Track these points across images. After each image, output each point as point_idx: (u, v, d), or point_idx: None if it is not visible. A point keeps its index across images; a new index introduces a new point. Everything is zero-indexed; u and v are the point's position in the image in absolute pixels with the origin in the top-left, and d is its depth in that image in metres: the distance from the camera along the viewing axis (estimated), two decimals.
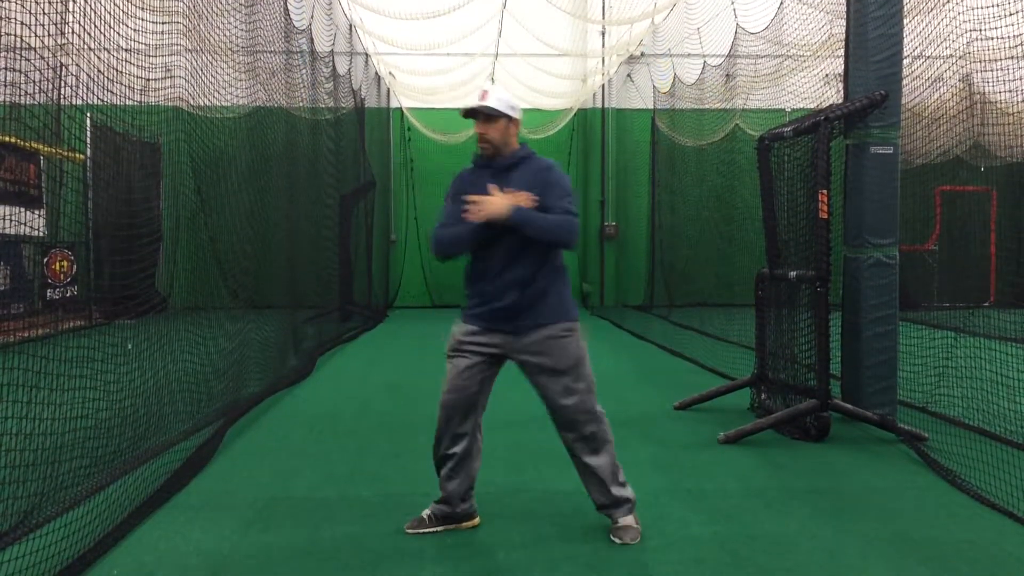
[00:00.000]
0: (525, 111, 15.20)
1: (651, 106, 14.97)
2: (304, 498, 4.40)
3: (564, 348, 3.71)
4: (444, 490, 3.85)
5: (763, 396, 6.43)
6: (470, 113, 3.72)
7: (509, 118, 3.74)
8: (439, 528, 3.87)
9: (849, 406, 5.79)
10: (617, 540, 3.74)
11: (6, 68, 3.76)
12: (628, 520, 3.81)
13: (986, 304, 13.08)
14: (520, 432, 5.67)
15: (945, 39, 6.10)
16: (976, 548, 3.69)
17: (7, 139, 9.30)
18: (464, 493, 3.87)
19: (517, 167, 3.76)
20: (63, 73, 4.53)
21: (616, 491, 3.81)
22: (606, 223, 17.30)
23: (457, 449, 3.81)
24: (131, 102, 5.12)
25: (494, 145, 3.75)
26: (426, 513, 3.90)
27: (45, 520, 3.76)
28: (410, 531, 3.84)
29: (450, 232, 3.72)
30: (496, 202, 3.58)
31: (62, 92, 4.64)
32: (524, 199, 3.61)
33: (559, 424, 3.80)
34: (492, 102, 3.69)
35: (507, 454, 5.18)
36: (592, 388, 3.79)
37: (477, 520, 3.95)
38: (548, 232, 3.61)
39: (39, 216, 11.19)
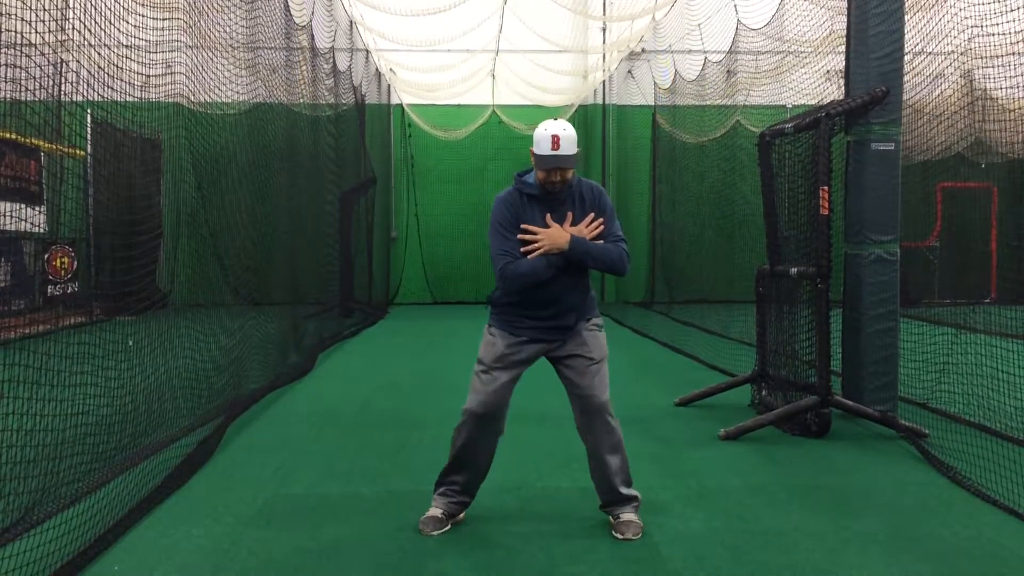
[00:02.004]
0: (525, 107, 15.18)
1: (652, 102, 14.96)
2: (305, 495, 4.40)
3: (598, 339, 3.88)
4: (465, 490, 3.89)
5: (764, 392, 6.43)
6: (550, 165, 3.60)
7: (578, 152, 3.70)
8: (449, 525, 3.88)
9: (850, 402, 5.79)
10: (619, 536, 3.75)
11: (7, 64, 3.76)
12: (631, 516, 3.83)
13: (987, 300, 13.09)
14: (520, 429, 5.67)
15: (946, 35, 6.09)
16: (977, 544, 3.69)
17: (8, 135, 9.30)
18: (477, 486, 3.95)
19: (572, 197, 3.76)
20: (64, 69, 4.52)
21: (624, 491, 3.86)
22: None
23: (484, 458, 3.88)
24: (132, 98, 5.12)
25: (567, 184, 3.71)
26: (440, 512, 3.87)
27: (46, 516, 3.76)
28: (435, 533, 3.79)
29: (526, 267, 3.64)
30: (556, 235, 3.63)
31: (63, 88, 4.63)
32: (586, 228, 3.69)
33: (589, 414, 3.81)
34: (567, 149, 3.59)
35: (507, 451, 5.17)
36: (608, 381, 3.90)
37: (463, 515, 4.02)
38: (606, 263, 3.71)
39: (40, 212, 11.19)
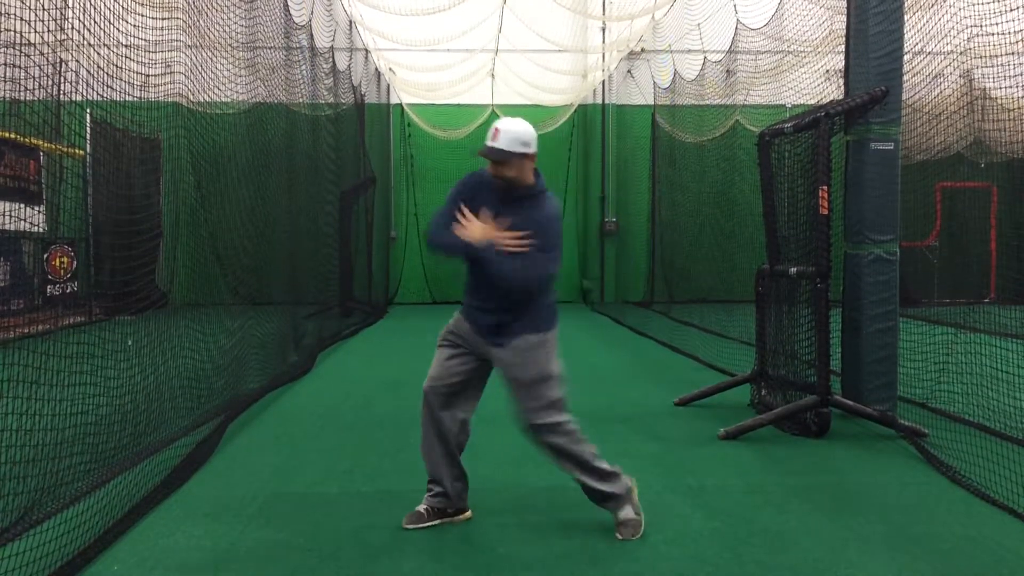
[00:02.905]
0: (525, 107, 15.15)
1: (651, 102, 14.96)
2: (304, 494, 4.40)
3: (530, 357, 3.72)
4: (440, 482, 3.90)
5: (763, 392, 6.43)
6: (484, 154, 3.65)
7: (523, 155, 3.66)
8: (436, 521, 3.89)
9: (849, 402, 5.79)
10: (619, 536, 3.74)
11: (6, 64, 3.76)
12: (627, 513, 3.81)
13: (986, 300, 13.09)
14: (516, 428, 5.67)
15: (946, 35, 6.10)
16: (976, 544, 3.69)
17: (7, 135, 9.30)
18: (461, 481, 3.93)
19: (527, 201, 3.71)
20: (63, 69, 4.52)
21: (602, 487, 3.80)
22: (606, 219, 17.30)
23: (441, 435, 3.87)
24: (131, 98, 5.11)
25: (510, 180, 3.70)
26: (423, 507, 3.92)
27: (46, 516, 3.76)
28: (409, 526, 3.86)
29: (443, 239, 3.71)
30: (475, 230, 3.60)
31: (62, 88, 4.62)
32: (508, 238, 3.59)
33: (527, 432, 3.82)
34: (502, 143, 3.61)
35: (506, 450, 5.18)
36: (554, 404, 3.74)
37: (469, 513, 4.00)
38: (505, 279, 3.61)
39: (39, 212, 11.19)
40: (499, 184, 3.71)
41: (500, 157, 3.63)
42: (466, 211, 3.64)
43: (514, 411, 3.81)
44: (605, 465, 3.84)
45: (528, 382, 3.71)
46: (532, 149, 3.68)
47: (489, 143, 3.63)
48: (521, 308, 3.74)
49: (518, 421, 3.80)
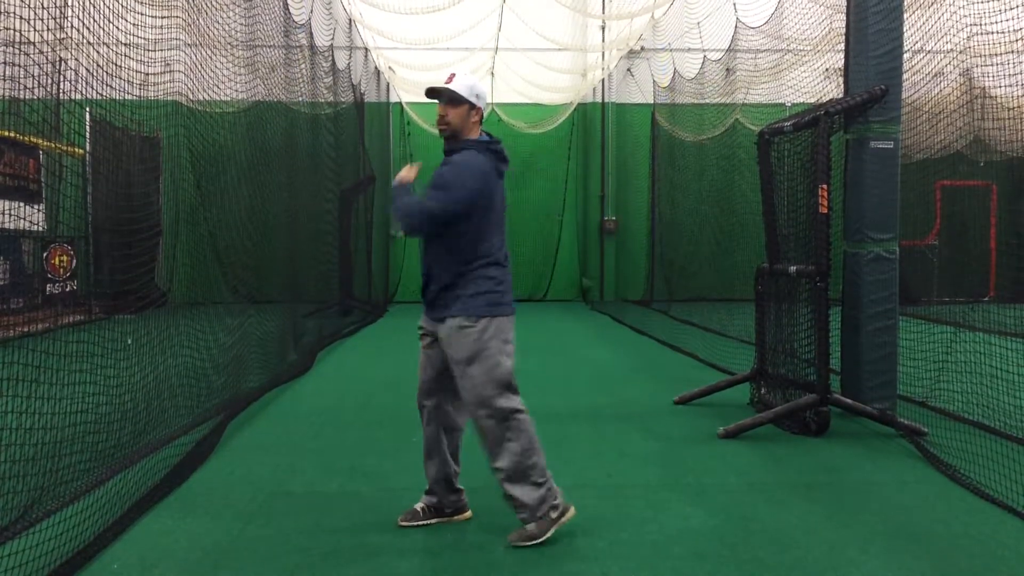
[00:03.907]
0: (525, 106, 15.14)
1: (651, 101, 14.96)
2: (304, 493, 4.40)
3: (462, 339, 3.66)
4: (426, 475, 3.92)
5: (763, 391, 6.43)
6: (433, 93, 3.78)
7: (471, 105, 3.78)
8: (432, 520, 3.90)
9: (849, 401, 5.79)
10: (510, 538, 3.65)
11: (6, 63, 3.76)
12: (527, 527, 3.66)
13: (986, 299, 13.09)
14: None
15: (945, 34, 6.10)
16: (975, 542, 3.69)
17: (7, 134, 9.30)
18: (444, 479, 3.89)
19: (454, 155, 3.81)
20: (62, 68, 4.52)
21: (514, 491, 3.65)
22: (606, 218, 17.30)
23: (429, 433, 3.88)
24: (130, 96, 5.11)
25: (452, 128, 3.80)
26: (420, 505, 3.93)
27: (45, 515, 3.76)
28: (404, 523, 3.86)
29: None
30: (400, 174, 3.80)
31: (61, 87, 4.62)
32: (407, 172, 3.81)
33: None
34: (457, 86, 3.76)
35: None
36: (494, 383, 3.64)
37: (469, 513, 3.99)
38: (395, 210, 3.76)
39: (39, 211, 11.19)
40: (444, 141, 3.84)
41: (450, 95, 3.76)
42: (413, 165, 3.84)
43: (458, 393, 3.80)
44: (536, 476, 3.66)
45: (459, 361, 3.68)
46: (481, 104, 3.84)
47: (443, 84, 3.77)
48: (452, 279, 3.71)
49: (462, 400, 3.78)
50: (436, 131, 3.92)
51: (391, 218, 3.91)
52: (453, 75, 3.81)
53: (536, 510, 3.64)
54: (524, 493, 3.64)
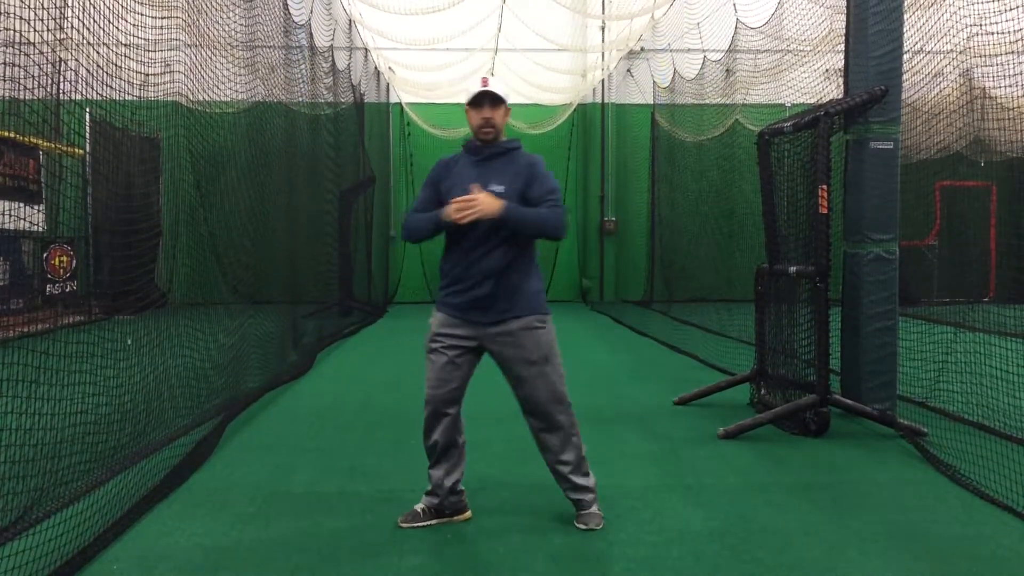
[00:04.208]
0: (525, 106, 15.14)
1: (651, 101, 14.96)
2: (304, 493, 4.40)
3: (536, 339, 3.74)
4: (431, 479, 3.90)
5: (763, 391, 6.43)
6: (478, 99, 3.76)
7: (507, 105, 3.84)
8: (432, 521, 3.89)
9: (849, 401, 5.79)
10: (582, 526, 3.82)
11: (5, 63, 3.75)
12: (593, 508, 3.89)
13: (986, 299, 13.09)
14: (515, 426, 5.66)
15: (945, 34, 6.09)
16: (975, 543, 3.69)
17: (7, 134, 9.30)
18: (452, 484, 3.89)
19: (503, 156, 3.83)
20: (62, 68, 4.52)
21: (581, 480, 3.88)
22: (606, 218, 17.30)
23: (444, 441, 3.86)
24: (130, 97, 5.11)
25: (497, 130, 3.81)
26: (420, 506, 3.93)
27: (45, 515, 3.76)
28: (404, 524, 3.86)
29: (415, 220, 3.83)
30: (486, 202, 3.59)
31: (61, 87, 4.62)
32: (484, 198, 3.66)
33: (531, 414, 3.84)
34: (497, 88, 3.78)
35: (503, 448, 5.19)
36: (563, 379, 3.82)
37: (469, 514, 3.99)
38: (538, 226, 3.69)
39: (39, 211, 11.18)
40: (476, 146, 3.83)
41: (498, 103, 3.77)
42: (460, 199, 3.62)
43: (521, 396, 3.80)
44: (587, 466, 3.93)
45: (537, 361, 3.73)
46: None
47: (482, 88, 3.76)
48: (519, 280, 3.75)
49: (533, 402, 3.77)
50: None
51: (531, 229, 3.76)
52: (486, 78, 3.81)
53: (595, 492, 3.91)
54: (588, 480, 3.89)
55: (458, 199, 3.61)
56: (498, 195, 3.64)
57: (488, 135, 3.80)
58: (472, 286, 3.71)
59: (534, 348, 3.72)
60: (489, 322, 3.73)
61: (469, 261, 3.71)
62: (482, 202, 3.58)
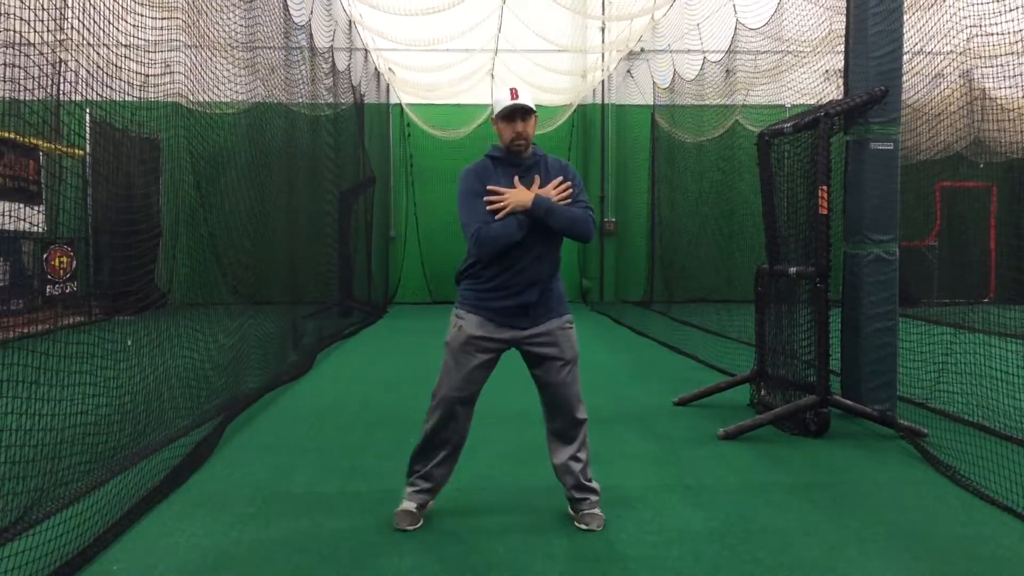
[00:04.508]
0: None
1: (651, 102, 14.96)
2: (304, 493, 4.40)
3: (570, 339, 3.87)
4: (433, 478, 3.92)
5: (763, 392, 6.43)
6: (511, 113, 3.72)
7: (536, 113, 3.83)
8: (422, 520, 3.92)
9: (849, 402, 5.79)
10: (583, 526, 3.85)
11: (5, 64, 3.76)
12: (595, 510, 3.92)
13: (986, 300, 13.10)
14: (516, 426, 5.68)
15: (945, 35, 6.10)
16: (975, 544, 3.69)
17: (7, 135, 9.30)
18: (448, 472, 3.98)
19: (538, 165, 3.86)
20: (62, 69, 4.52)
21: (589, 483, 3.95)
22: (606, 219, 17.30)
23: (457, 440, 3.90)
24: (130, 98, 5.11)
25: (529, 142, 3.81)
26: (413, 506, 3.91)
27: (45, 516, 3.76)
28: (409, 527, 3.84)
29: (498, 228, 3.66)
30: (520, 194, 3.68)
31: (61, 88, 4.62)
32: (553, 190, 3.73)
33: (557, 411, 3.88)
34: (527, 99, 3.75)
35: (508, 448, 5.19)
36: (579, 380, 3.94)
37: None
38: (570, 223, 3.73)
39: (39, 212, 11.19)
40: (506, 157, 3.82)
41: (531, 113, 3.76)
42: (496, 188, 3.70)
43: (551, 395, 3.85)
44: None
45: (571, 360, 3.84)
46: None
47: (514, 101, 3.71)
48: (553, 283, 3.86)
49: (562, 400, 3.84)
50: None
51: (563, 225, 3.81)
52: (515, 89, 3.75)
53: (599, 494, 3.98)
54: (594, 483, 3.95)
55: (494, 189, 3.70)
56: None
57: (521, 147, 3.80)
58: (520, 292, 3.75)
59: (568, 347, 3.84)
60: (530, 324, 3.80)
61: (516, 268, 3.73)
62: (514, 195, 3.67)
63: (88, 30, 4.28)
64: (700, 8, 11.37)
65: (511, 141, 3.78)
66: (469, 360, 3.78)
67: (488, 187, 3.72)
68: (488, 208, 3.68)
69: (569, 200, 3.75)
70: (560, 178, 3.77)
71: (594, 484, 3.97)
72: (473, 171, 3.84)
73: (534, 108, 3.77)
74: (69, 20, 4.16)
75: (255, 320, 7.38)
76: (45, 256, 11.41)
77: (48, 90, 4.03)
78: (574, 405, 3.86)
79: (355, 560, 3.50)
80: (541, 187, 3.76)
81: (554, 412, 3.90)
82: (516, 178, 3.74)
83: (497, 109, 3.76)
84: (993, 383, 5.66)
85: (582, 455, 3.92)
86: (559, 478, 3.96)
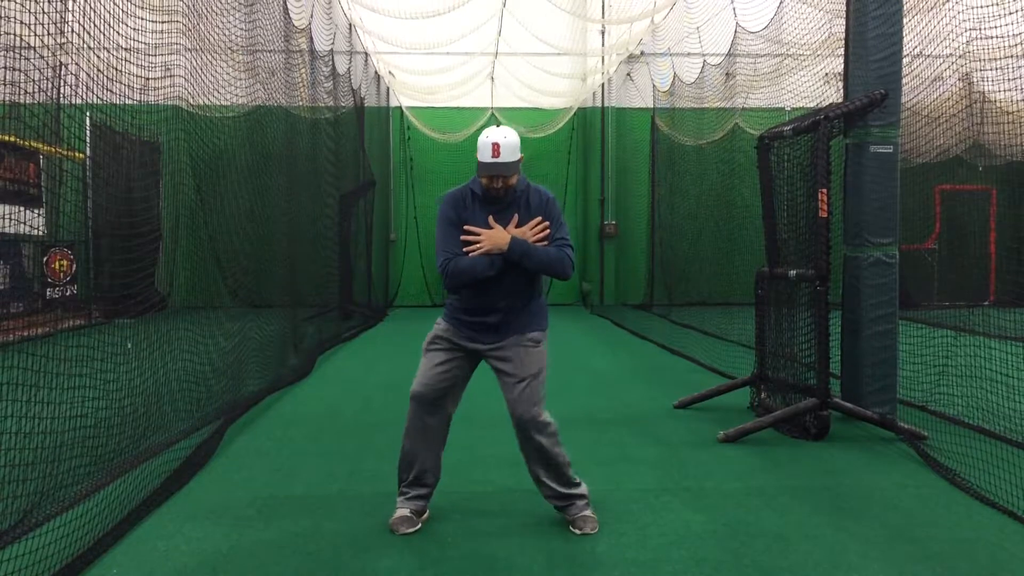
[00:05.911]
0: (525, 110, 15.15)
1: (651, 105, 14.98)
2: (303, 497, 4.40)
3: (530, 355, 3.85)
4: (420, 484, 3.94)
5: (763, 395, 6.43)
6: (495, 169, 3.68)
7: (520, 160, 3.77)
8: (420, 524, 3.92)
9: (849, 405, 5.79)
10: (578, 531, 3.83)
11: (6, 67, 3.76)
12: (585, 512, 3.91)
13: (985, 303, 13.09)
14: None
15: (945, 38, 6.11)
16: (976, 547, 3.69)
17: (7, 138, 9.31)
18: (436, 475, 3.99)
19: (517, 202, 3.83)
20: (63, 72, 4.52)
21: (567, 491, 3.91)
22: (606, 222, 17.31)
23: (436, 440, 3.93)
24: (131, 101, 5.12)
25: (507, 190, 3.78)
26: (408, 511, 3.92)
27: (45, 519, 3.76)
28: (409, 530, 3.84)
29: (466, 264, 3.73)
30: (496, 235, 3.70)
31: (62, 91, 4.63)
32: (530, 231, 3.74)
33: (515, 424, 3.85)
34: (508, 156, 3.68)
35: (502, 451, 5.18)
36: (543, 399, 3.86)
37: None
38: (546, 265, 3.77)
39: (39, 215, 11.19)
40: (485, 195, 3.80)
41: (511, 172, 3.71)
42: (473, 228, 3.74)
43: (509, 407, 3.84)
44: (572, 474, 3.94)
45: (525, 378, 3.79)
46: (521, 153, 3.80)
47: (494, 160, 3.66)
48: (524, 305, 3.86)
49: (513, 417, 3.83)
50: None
51: (537, 267, 3.92)
52: (497, 144, 3.65)
53: (586, 497, 3.94)
54: (574, 489, 3.91)
55: (471, 229, 3.73)
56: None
57: (499, 194, 3.79)
58: (487, 313, 3.82)
59: (525, 364, 3.82)
60: (495, 340, 3.84)
61: (489, 295, 3.79)
62: (490, 237, 3.70)
63: (88, 34, 4.29)
64: (700, 11, 11.39)
65: (488, 187, 3.77)
66: (433, 357, 3.90)
67: (465, 227, 3.75)
68: (464, 249, 3.73)
69: (546, 241, 3.76)
70: (538, 218, 3.77)
71: (577, 489, 3.92)
72: (451, 199, 3.87)
73: (515, 164, 3.70)
74: (69, 24, 4.17)
75: (255, 323, 7.38)
76: (45, 259, 11.41)
77: (49, 93, 4.04)
78: (527, 421, 3.77)
79: (355, 562, 3.50)
80: (519, 225, 3.76)
81: (514, 424, 3.87)
82: (491, 217, 3.75)
83: (479, 156, 3.70)
84: (993, 386, 5.66)
85: (549, 466, 3.86)
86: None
